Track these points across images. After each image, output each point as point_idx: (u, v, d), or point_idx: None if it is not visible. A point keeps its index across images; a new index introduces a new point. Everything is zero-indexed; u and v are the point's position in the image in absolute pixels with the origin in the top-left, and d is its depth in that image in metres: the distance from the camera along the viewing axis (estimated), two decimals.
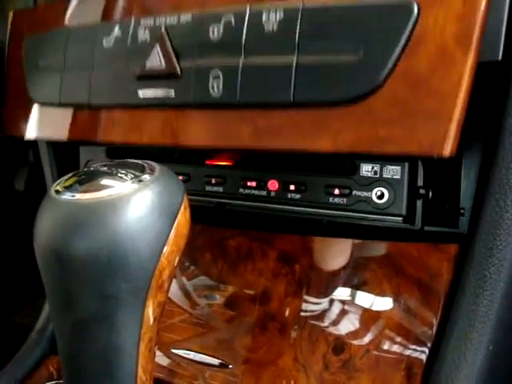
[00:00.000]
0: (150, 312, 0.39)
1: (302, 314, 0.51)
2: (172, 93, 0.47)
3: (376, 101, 0.40)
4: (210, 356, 0.54)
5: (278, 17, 0.42)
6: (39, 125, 0.60)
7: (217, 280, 0.55)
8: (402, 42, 0.38)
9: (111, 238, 0.35)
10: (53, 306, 0.38)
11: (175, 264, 0.40)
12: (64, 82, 0.53)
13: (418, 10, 0.38)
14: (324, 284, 0.51)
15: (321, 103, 0.41)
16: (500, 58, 0.38)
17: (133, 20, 0.48)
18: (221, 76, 0.44)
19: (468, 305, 0.44)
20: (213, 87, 0.45)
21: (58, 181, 0.39)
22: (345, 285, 0.50)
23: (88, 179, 0.39)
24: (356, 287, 0.49)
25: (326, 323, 0.50)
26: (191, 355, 0.54)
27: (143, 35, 0.48)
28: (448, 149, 0.38)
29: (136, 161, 0.40)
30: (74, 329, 0.37)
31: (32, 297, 1.28)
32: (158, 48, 0.47)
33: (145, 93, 0.48)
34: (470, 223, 0.44)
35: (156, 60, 0.47)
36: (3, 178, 1.46)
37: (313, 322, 0.51)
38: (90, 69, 0.51)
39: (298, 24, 0.41)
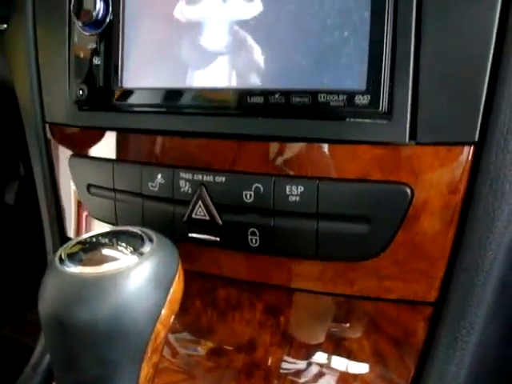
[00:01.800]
0: (145, 372, 0.42)
1: (285, 364, 0.55)
2: (217, 239, 0.54)
3: (381, 261, 0.49)
4: None
5: (299, 190, 0.49)
6: None
7: (206, 328, 0.59)
8: (400, 218, 0.47)
9: (112, 310, 0.38)
10: (56, 367, 0.41)
11: (170, 326, 0.43)
12: (118, 208, 0.60)
13: (412, 193, 0.46)
14: (306, 336, 0.55)
15: (339, 259, 0.50)
16: None
17: (173, 171, 0.55)
18: (257, 233, 0.52)
19: (440, 363, 0.48)
20: (251, 240, 0.52)
21: (63, 246, 0.42)
22: (327, 338, 0.53)
23: (90, 249, 0.42)
24: (337, 342, 0.53)
25: (307, 376, 0.54)
26: None
27: (185, 187, 0.55)
28: (433, 298, 0.48)
29: (135, 230, 0.44)
30: None
31: (18, 310, 1.30)
32: (200, 203, 0.54)
33: (192, 234, 0.55)
34: (442, 288, 0.48)
35: (200, 212, 0.54)
36: None
37: (294, 374, 0.55)
38: (141, 201, 0.58)
39: (316, 197, 0.49)
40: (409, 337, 0.50)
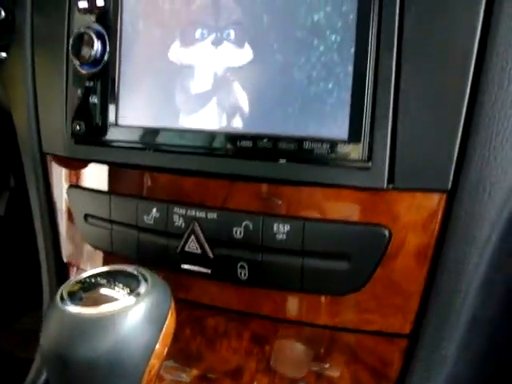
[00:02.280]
0: None
1: None
2: (208, 271, 0.58)
3: (361, 295, 0.53)
4: None
5: (285, 228, 0.53)
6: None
7: (194, 354, 0.62)
8: (378, 256, 0.51)
9: (111, 347, 0.41)
10: None
11: (163, 358, 0.46)
12: (114, 238, 0.63)
13: (390, 234, 0.50)
14: (291, 364, 0.58)
15: (322, 293, 0.54)
16: None
17: (168, 206, 0.58)
18: (246, 266, 0.55)
19: None
20: (240, 273, 0.56)
21: (64, 285, 0.45)
22: (310, 367, 0.57)
23: (90, 288, 0.45)
24: (319, 370, 0.56)
25: None
26: None
27: (178, 221, 0.58)
28: (408, 330, 0.52)
29: (131, 270, 0.47)
30: None
31: (7, 320, 1.31)
32: (193, 237, 0.57)
33: (185, 265, 0.59)
34: (416, 321, 0.52)
35: (192, 246, 0.58)
36: None
37: None
38: (136, 233, 0.61)
39: (302, 236, 0.52)
40: (386, 367, 0.54)
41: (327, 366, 0.56)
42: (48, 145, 0.69)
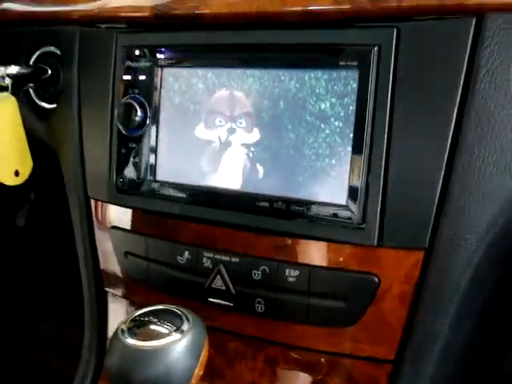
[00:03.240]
0: None
1: None
2: (231, 304, 0.70)
3: (355, 328, 0.65)
4: None
5: (295, 273, 0.66)
6: None
7: (217, 372, 0.75)
8: (370, 298, 0.64)
9: (162, 371, 0.54)
10: None
11: (199, 379, 0.59)
12: (150, 273, 0.76)
13: (379, 281, 0.63)
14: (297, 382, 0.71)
15: (324, 325, 0.67)
16: None
17: (198, 250, 0.71)
18: (262, 302, 0.68)
19: None
20: (257, 307, 0.69)
21: (122, 321, 0.58)
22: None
23: (143, 325, 0.57)
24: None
25: None
26: None
27: (207, 263, 0.71)
28: (392, 356, 0.65)
29: (175, 309, 0.59)
30: None
31: (27, 326, 1.41)
32: (219, 276, 0.70)
33: (211, 299, 0.71)
34: (399, 350, 0.64)
35: (218, 283, 0.70)
36: (5, 216, 1.61)
37: None
38: (170, 270, 0.74)
39: (308, 280, 0.65)
40: None
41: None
42: (93, 191, 0.82)
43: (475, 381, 0.79)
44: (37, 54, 0.90)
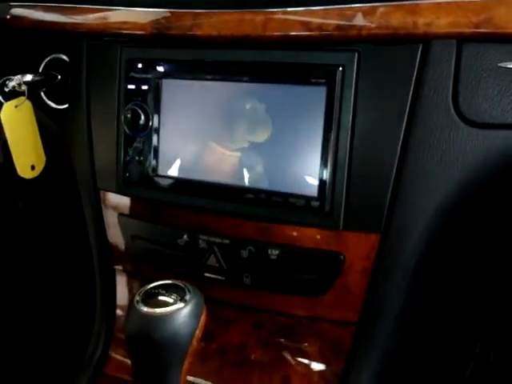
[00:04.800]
0: (185, 367, 0.72)
1: (264, 358, 0.86)
2: (223, 278, 0.84)
3: (325, 297, 0.79)
4: None
5: (276, 252, 0.80)
6: None
7: (211, 335, 0.89)
8: (337, 272, 0.78)
9: (170, 333, 0.68)
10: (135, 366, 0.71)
11: (199, 339, 0.73)
12: (155, 254, 0.91)
13: (344, 258, 0.77)
14: (279, 343, 0.86)
15: (301, 294, 0.82)
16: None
17: (194, 234, 0.84)
18: (249, 276, 0.82)
19: (359, 361, 0.80)
20: (245, 280, 0.83)
21: (137, 293, 0.71)
22: (291, 344, 0.85)
23: (153, 296, 0.71)
24: (298, 346, 0.85)
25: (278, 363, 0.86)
26: None
27: (202, 244, 0.84)
28: (355, 319, 0.80)
29: (180, 284, 0.73)
30: (149, 376, 0.70)
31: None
32: (212, 255, 0.83)
33: (206, 274, 0.86)
34: (361, 314, 0.79)
35: (212, 261, 0.84)
36: (7, 199, 1.72)
37: (271, 363, 0.86)
38: (173, 251, 0.87)
39: (287, 257, 0.80)
40: (341, 344, 0.81)
41: (304, 343, 0.84)
42: (103, 183, 0.95)
43: (429, 350, 0.95)
44: (46, 60, 1.01)
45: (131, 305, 0.70)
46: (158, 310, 0.68)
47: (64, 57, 0.99)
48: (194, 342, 0.71)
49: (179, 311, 0.69)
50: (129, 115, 0.86)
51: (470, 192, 0.74)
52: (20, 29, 1.02)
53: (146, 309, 0.69)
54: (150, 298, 0.71)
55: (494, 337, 1.07)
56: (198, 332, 0.71)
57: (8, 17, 1.02)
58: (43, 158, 1.02)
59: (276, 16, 0.76)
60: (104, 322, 1.00)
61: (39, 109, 1.02)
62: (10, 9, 1.02)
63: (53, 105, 1.01)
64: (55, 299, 1.45)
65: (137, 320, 0.69)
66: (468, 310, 1.03)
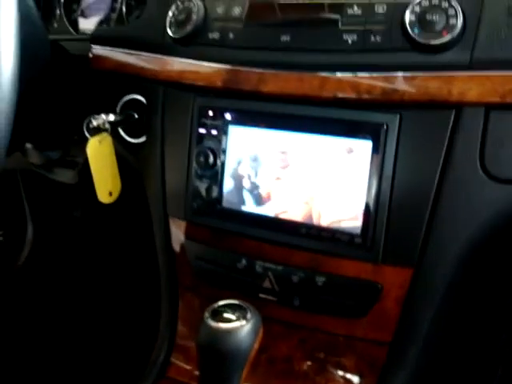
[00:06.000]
0: (244, 374, 0.86)
1: (306, 367, 1.00)
2: (275, 299, 0.98)
3: (364, 320, 0.92)
4: None
5: (322, 280, 0.93)
6: None
7: (263, 346, 1.03)
8: (375, 298, 0.91)
9: (235, 346, 0.82)
10: (203, 375, 0.85)
11: (256, 350, 0.87)
12: (218, 275, 1.05)
13: (382, 287, 0.90)
14: (322, 357, 0.99)
15: (343, 317, 0.94)
16: None
17: (252, 260, 0.98)
18: (298, 299, 0.97)
19: (392, 375, 0.92)
20: (295, 302, 0.97)
21: (207, 310, 0.86)
22: (333, 360, 0.98)
23: (220, 313, 0.85)
24: (338, 361, 0.98)
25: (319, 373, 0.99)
26: None
27: (259, 269, 0.98)
28: (389, 340, 0.93)
29: (241, 304, 0.87)
30: (215, 382, 0.84)
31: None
32: (267, 279, 0.98)
33: (261, 295, 0.99)
34: (394, 336, 0.92)
35: (266, 284, 0.98)
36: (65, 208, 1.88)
37: (313, 371, 1.00)
38: (233, 274, 1.01)
39: (331, 284, 0.93)
40: (376, 360, 0.94)
41: (343, 359, 0.97)
42: (172, 210, 1.10)
43: (454, 367, 1.07)
44: (125, 99, 1.17)
45: (202, 320, 0.85)
46: (224, 326, 0.82)
47: (141, 98, 1.14)
48: (253, 354, 0.85)
49: (242, 327, 0.83)
50: (201, 158, 1.01)
51: (493, 235, 0.86)
52: (101, 70, 1.18)
53: (214, 324, 0.83)
54: (218, 315, 0.85)
55: None
56: (256, 345, 0.85)
57: (90, 55, 1.17)
58: (119, 186, 1.18)
59: (331, 79, 0.90)
60: (167, 331, 1.14)
61: (117, 141, 1.17)
62: (91, 48, 1.17)
63: (130, 139, 1.17)
64: (125, 309, 1.61)
65: (206, 333, 0.83)
66: (490, 332, 1.15)
